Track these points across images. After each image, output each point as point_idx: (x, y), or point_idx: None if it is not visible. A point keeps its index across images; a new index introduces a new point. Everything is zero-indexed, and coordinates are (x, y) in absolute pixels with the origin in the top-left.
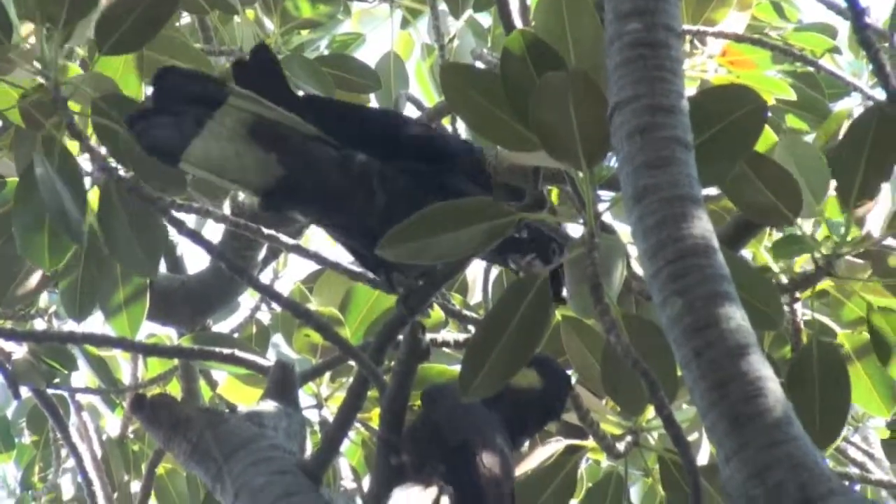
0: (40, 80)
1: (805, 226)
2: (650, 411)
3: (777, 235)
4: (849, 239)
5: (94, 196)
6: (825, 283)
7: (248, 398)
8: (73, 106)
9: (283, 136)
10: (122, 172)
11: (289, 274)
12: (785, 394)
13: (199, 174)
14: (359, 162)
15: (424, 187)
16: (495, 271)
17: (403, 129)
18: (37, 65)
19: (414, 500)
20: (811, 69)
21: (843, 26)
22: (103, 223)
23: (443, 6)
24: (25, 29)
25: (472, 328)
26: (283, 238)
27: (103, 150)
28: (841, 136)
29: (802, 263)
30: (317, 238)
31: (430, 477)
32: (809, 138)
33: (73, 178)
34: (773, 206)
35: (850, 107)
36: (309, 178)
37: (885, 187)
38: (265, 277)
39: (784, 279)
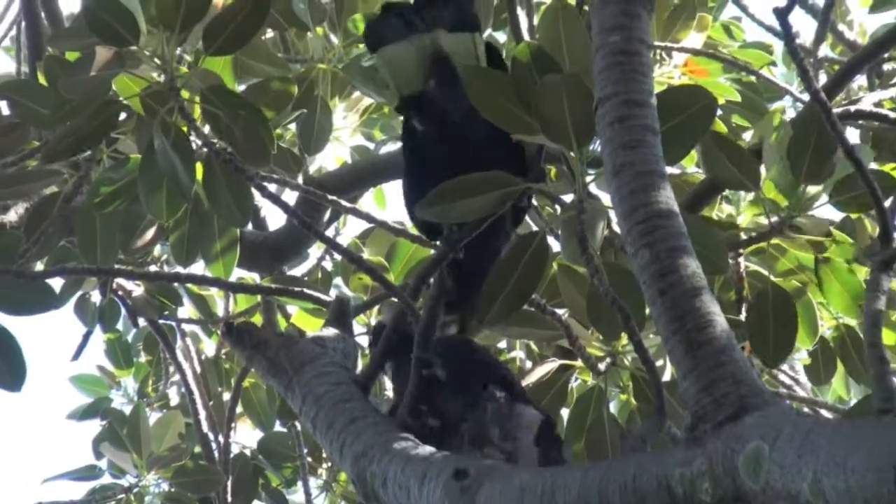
0: (158, 76)
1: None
2: (625, 339)
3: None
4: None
5: (199, 167)
6: (761, 244)
7: (313, 326)
8: (184, 95)
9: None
10: (221, 148)
11: (347, 231)
12: (739, 327)
13: (379, 65)
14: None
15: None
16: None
17: None
18: (157, 62)
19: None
20: (753, 78)
21: (779, 45)
22: (206, 188)
23: None
24: (149, 35)
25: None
26: (343, 202)
27: (207, 130)
28: (794, 122)
29: (747, 224)
30: (368, 203)
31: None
32: (748, 134)
33: (185, 153)
34: (737, 177)
35: (783, 106)
36: (441, 99)
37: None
38: (328, 233)
39: (743, 236)
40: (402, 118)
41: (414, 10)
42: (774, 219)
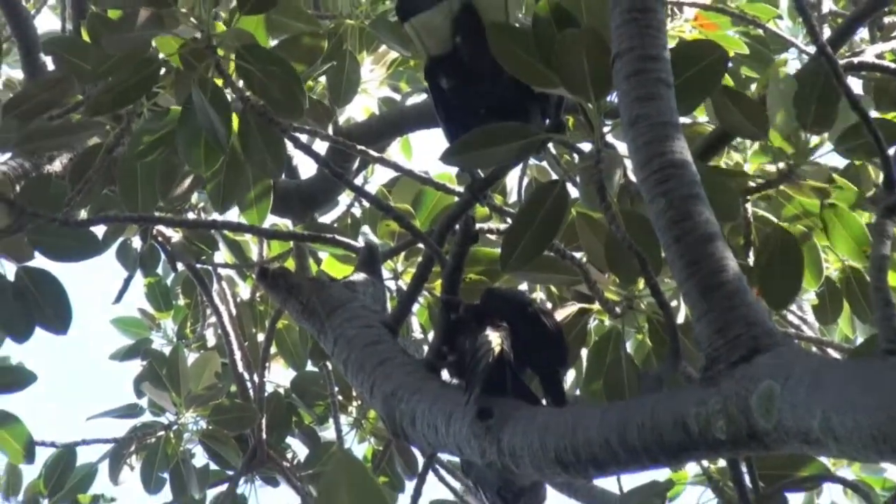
0: (195, 34)
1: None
2: (641, 283)
3: (735, 156)
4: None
5: (235, 119)
6: (768, 191)
7: (343, 272)
8: (220, 52)
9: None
10: (255, 102)
11: (375, 179)
12: (749, 270)
13: (410, 32)
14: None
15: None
16: (526, 178)
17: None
18: (194, 21)
19: (492, 337)
20: (760, 31)
21: None
22: (242, 139)
23: None
24: None
25: (509, 220)
26: (371, 152)
27: (242, 85)
28: (800, 74)
29: (754, 171)
30: (395, 152)
31: (495, 327)
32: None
33: (221, 106)
34: (745, 125)
35: (787, 58)
36: (466, 55)
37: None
38: (357, 182)
39: (751, 183)
40: (427, 76)
41: None
42: (781, 166)
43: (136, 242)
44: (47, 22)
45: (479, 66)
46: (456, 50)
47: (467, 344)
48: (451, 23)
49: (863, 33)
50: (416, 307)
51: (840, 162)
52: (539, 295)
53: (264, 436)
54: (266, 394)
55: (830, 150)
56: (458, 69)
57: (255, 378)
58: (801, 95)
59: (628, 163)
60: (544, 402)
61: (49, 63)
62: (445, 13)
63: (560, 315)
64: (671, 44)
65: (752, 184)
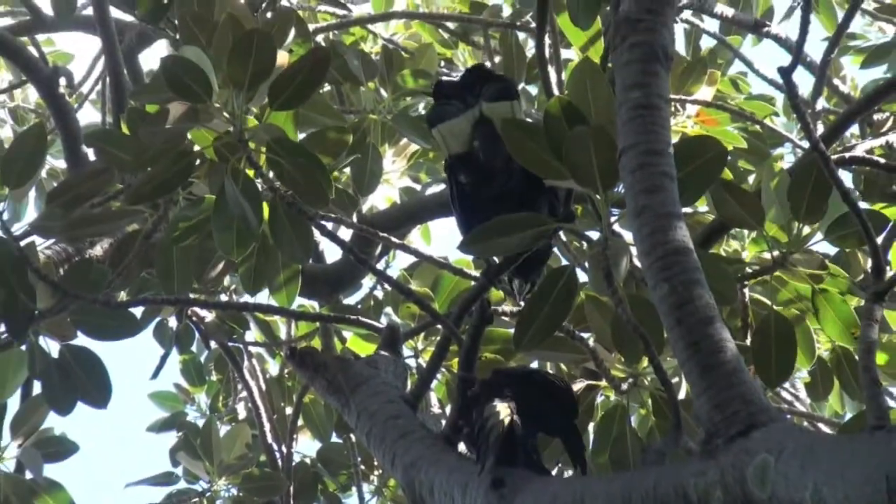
0: (228, 128)
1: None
2: (645, 361)
3: (734, 244)
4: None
5: (265, 208)
6: (764, 276)
7: (367, 350)
8: (251, 145)
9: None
10: (284, 192)
11: (396, 264)
12: (742, 352)
13: (436, 136)
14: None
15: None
16: None
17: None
18: (227, 116)
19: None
20: (757, 127)
21: (780, 97)
22: (272, 226)
23: None
24: (220, 92)
25: (522, 303)
26: (393, 239)
27: (272, 176)
28: (795, 169)
29: (751, 258)
30: (415, 239)
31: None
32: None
33: (252, 196)
34: (742, 216)
35: (783, 152)
36: (484, 154)
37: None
38: (380, 266)
39: (748, 269)
40: (447, 172)
41: (464, 86)
42: (775, 253)
43: (172, 322)
44: (89, 115)
45: (493, 164)
46: (473, 150)
47: (477, 416)
48: (471, 128)
49: (854, 129)
50: (434, 384)
51: (831, 250)
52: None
53: (292, 502)
54: (293, 463)
55: (821, 239)
56: (475, 166)
57: (284, 448)
58: (794, 188)
59: (634, 250)
60: (568, 467)
61: (90, 154)
62: (468, 121)
63: None
64: (674, 138)
65: (748, 270)
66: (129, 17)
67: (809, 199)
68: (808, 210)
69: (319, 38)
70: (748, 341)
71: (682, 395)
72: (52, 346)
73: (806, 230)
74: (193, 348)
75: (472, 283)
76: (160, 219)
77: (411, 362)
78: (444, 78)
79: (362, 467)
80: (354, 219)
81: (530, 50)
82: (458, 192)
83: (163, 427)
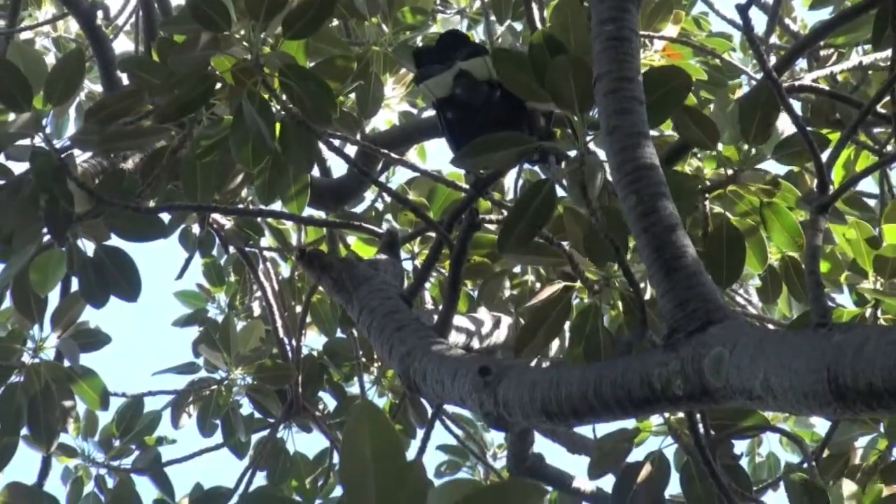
0: (246, 55)
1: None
2: (615, 265)
3: (695, 163)
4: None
5: (278, 126)
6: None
7: (368, 253)
8: (266, 71)
9: (471, 78)
10: (295, 112)
11: (396, 178)
12: (702, 257)
13: (423, 90)
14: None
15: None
16: (521, 180)
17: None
18: (245, 44)
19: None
20: (717, 61)
21: (737, 35)
22: (283, 143)
23: (492, 17)
24: (239, 23)
25: (505, 212)
26: (393, 155)
27: (284, 98)
28: (745, 97)
29: (712, 175)
30: (413, 156)
31: None
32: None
33: (267, 116)
34: (701, 137)
35: (739, 82)
36: (464, 96)
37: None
38: (381, 179)
39: (705, 184)
40: (437, 111)
41: (440, 51)
42: (729, 171)
43: (195, 228)
44: (123, 44)
45: (473, 102)
46: (455, 94)
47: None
48: (452, 80)
49: (802, 64)
50: (427, 283)
51: (782, 169)
52: (530, 277)
53: (300, 390)
54: (302, 356)
55: (769, 157)
56: (457, 105)
57: (294, 342)
58: (744, 113)
59: (607, 166)
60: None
61: (124, 78)
62: (449, 74)
63: (547, 292)
64: (643, 69)
65: (708, 184)
66: None
67: (758, 123)
68: (757, 132)
69: None
70: None
71: (647, 295)
72: (88, 247)
73: (755, 152)
74: (214, 252)
75: (463, 194)
76: (185, 136)
77: (408, 264)
78: (422, 46)
79: (363, 360)
80: (358, 137)
81: None
82: (447, 125)
83: (186, 322)
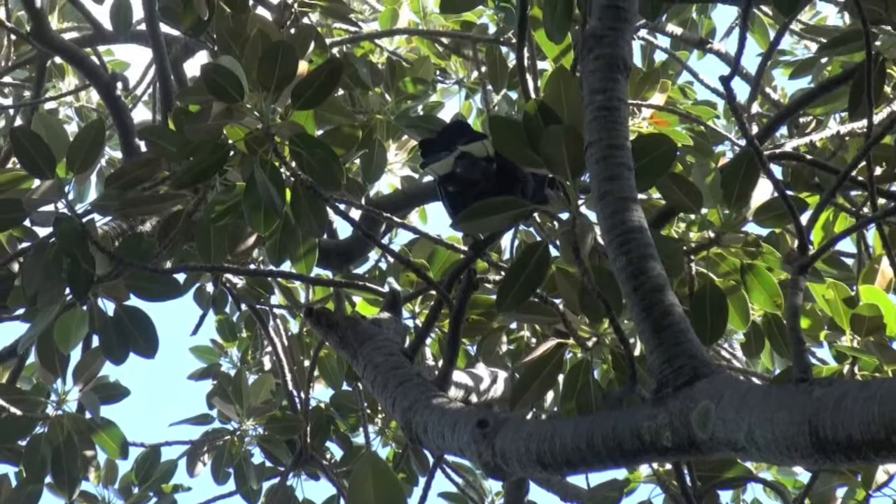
0: (258, 125)
1: (704, 213)
2: (606, 322)
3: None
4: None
5: (288, 192)
6: (712, 251)
7: (372, 312)
8: (277, 139)
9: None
10: (304, 178)
11: (398, 240)
12: (689, 315)
13: (428, 171)
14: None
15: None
16: (517, 241)
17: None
18: (256, 114)
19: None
20: (702, 127)
21: (721, 103)
22: (293, 207)
23: (489, 87)
24: (251, 94)
25: (503, 273)
26: (395, 219)
27: (294, 165)
28: (727, 164)
29: (697, 238)
30: (415, 220)
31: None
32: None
33: (277, 182)
34: (685, 202)
35: (724, 150)
36: (465, 172)
37: (753, 194)
38: (384, 242)
39: (690, 246)
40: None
41: (446, 138)
42: (712, 234)
43: (209, 287)
44: (141, 114)
45: (472, 176)
46: (455, 172)
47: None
48: (453, 161)
49: (783, 131)
50: (428, 341)
51: (763, 231)
52: (525, 333)
53: (309, 440)
54: (310, 407)
55: (750, 220)
56: (457, 181)
57: (302, 395)
58: (727, 179)
59: (598, 229)
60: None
61: (142, 146)
62: (451, 157)
63: (542, 348)
64: (632, 136)
65: (692, 246)
66: (175, 32)
67: (739, 188)
68: (738, 197)
69: (335, 50)
70: None
71: (637, 351)
72: (108, 307)
73: (736, 215)
74: (227, 310)
75: (462, 256)
76: (200, 200)
77: (409, 322)
78: (427, 137)
79: (368, 412)
80: (363, 201)
81: (512, 61)
82: (447, 196)
83: (201, 376)
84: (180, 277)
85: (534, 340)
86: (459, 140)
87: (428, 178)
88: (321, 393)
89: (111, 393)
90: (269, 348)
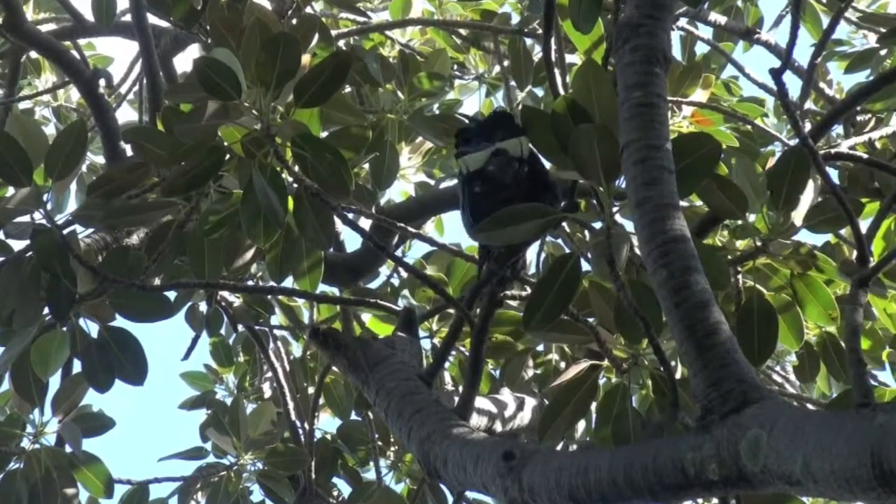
0: (256, 125)
1: (751, 219)
2: (645, 343)
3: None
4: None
5: (290, 200)
6: (760, 261)
7: (385, 331)
8: (278, 141)
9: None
10: (309, 185)
11: (412, 252)
12: (735, 333)
13: (460, 163)
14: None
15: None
16: (543, 253)
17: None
18: (255, 113)
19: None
20: (749, 127)
21: (770, 99)
22: (296, 217)
23: (512, 83)
24: (249, 91)
25: (528, 289)
26: (409, 229)
27: (297, 170)
28: (774, 164)
29: (744, 247)
30: (430, 229)
31: None
32: None
33: (279, 188)
34: (729, 207)
35: (773, 150)
36: (496, 171)
37: (803, 197)
38: (397, 254)
39: (735, 255)
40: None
41: (481, 130)
42: (758, 242)
43: (203, 306)
44: (126, 114)
45: (503, 178)
46: (486, 169)
47: None
48: (488, 156)
49: (838, 130)
50: (447, 363)
51: (818, 241)
52: (553, 356)
53: (313, 476)
54: (315, 439)
55: (802, 226)
56: (486, 178)
57: (306, 425)
58: (773, 182)
59: (634, 239)
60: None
61: (128, 150)
62: (487, 152)
63: (573, 371)
64: (671, 137)
65: (737, 255)
66: (164, 23)
67: (787, 190)
68: (786, 200)
69: (341, 42)
70: None
71: (679, 374)
72: (92, 328)
73: (787, 220)
74: (222, 331)
75: (483, 269)
76: (192, 210)
77: (426, 343)
78: (465, 125)
79: (380, 444)
80: (373, 210)
81: (537, 55)
82: (471, 197)
83: (193, 405)
84: (171, 295)
85: (563, 363)
86: (498, 133)
87: (445, 184)
88: (327, 423)
89: (94, 424)
90: (269, 374)
